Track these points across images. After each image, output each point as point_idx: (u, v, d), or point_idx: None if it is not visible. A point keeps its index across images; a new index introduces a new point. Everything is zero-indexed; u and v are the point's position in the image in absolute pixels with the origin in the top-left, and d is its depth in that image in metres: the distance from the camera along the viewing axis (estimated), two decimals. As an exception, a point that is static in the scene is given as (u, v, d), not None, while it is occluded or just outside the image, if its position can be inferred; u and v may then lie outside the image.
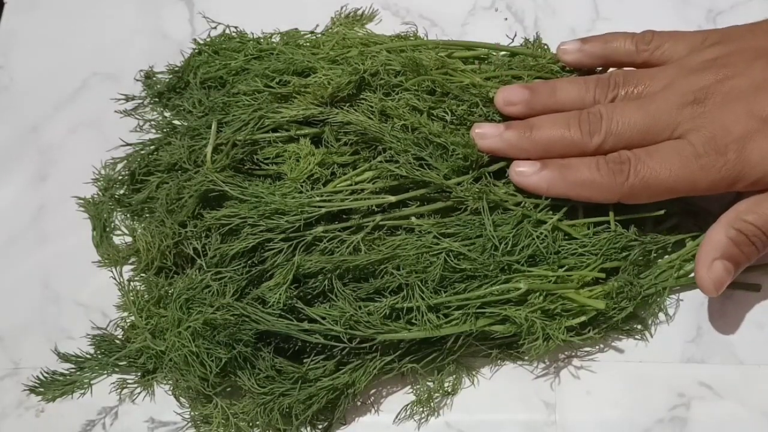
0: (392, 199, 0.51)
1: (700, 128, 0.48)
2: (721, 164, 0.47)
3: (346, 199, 0.51)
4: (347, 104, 0.54)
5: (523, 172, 0.51)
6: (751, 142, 0.47)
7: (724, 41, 0.51)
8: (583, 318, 0.49)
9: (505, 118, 0.53)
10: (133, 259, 0.56)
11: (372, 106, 0.53)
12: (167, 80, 0.61)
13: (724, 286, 0.48)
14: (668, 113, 0.49)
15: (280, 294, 0.47)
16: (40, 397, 0.52)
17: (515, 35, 0.59)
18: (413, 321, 0.48)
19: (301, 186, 0.51)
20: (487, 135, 0.52)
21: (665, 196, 0.49)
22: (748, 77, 0.48)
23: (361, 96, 0.54)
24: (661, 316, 0.52)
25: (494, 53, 0.58)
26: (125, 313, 0.54)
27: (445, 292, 0.49)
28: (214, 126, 0.53)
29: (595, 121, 0.50)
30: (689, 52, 0.51)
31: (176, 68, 0.61)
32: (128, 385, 0.52)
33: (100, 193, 0.59)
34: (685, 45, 0.52)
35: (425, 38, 0.58)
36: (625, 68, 0.55)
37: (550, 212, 0.51)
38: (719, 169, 0.47)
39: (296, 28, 0.61)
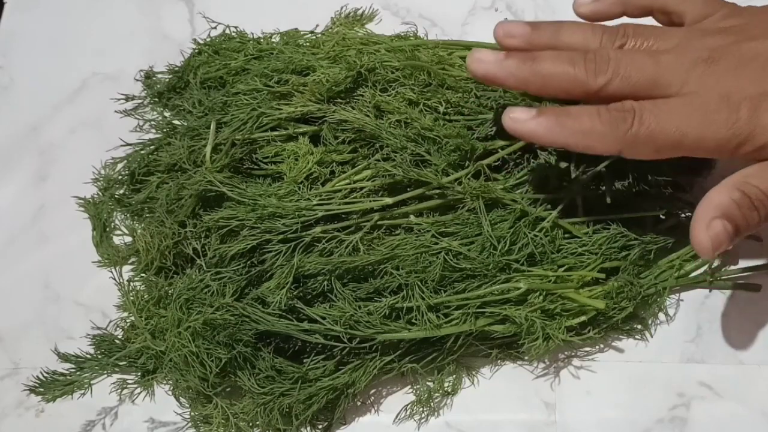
0: (389, 201, 0.51)
1: (713, 85, 0.45)
2: (733, 121, 0.44)
3: (344, 200, 0.51)
4: (345, 101, 0.53)
5: (518, 117, 0.46)
6: (764, 103, 0.44)
7: (743, 14, 0.49)
8: (583, 318, 0.49)
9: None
10: (133, 259, 0.56)
11: (367, 102, 0.52)
12: (167, 80, 0.61)
13: (722, 248, 0.44)
14: (680, 66, 0.46)
15: (280, 297, 0.47)
16: (40, 397, 0.52)
17: (515, 35, 0.58)
18: (413, 321, 0.48)
19: (299, 187, 0.51)
20: (484, 60, 0.48)
21: (669, 151, 0.46)
22: (764, 43, 0.46)
23: (358, 92, 0.54)
24: (661, 316, 0.52)
25: (494, 53, 0.57)
26: (125, 313, 0.54)
27: (444, 291, 0.49)
28: (213, 126, 0.53)
29: (602, 61, 0.47)
30: (707, 16, 0.49)
31: (176, 68, 0.61)
32: (128, 385, 0.52)
33: (100, 193, 0.59)
34: (704, 6, 0.49)
35: (425, 38, 0.58)
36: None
37: (549, 207, 0.51)
38: (730, 125, 0.44)
39: (296, 28, 0.61)
